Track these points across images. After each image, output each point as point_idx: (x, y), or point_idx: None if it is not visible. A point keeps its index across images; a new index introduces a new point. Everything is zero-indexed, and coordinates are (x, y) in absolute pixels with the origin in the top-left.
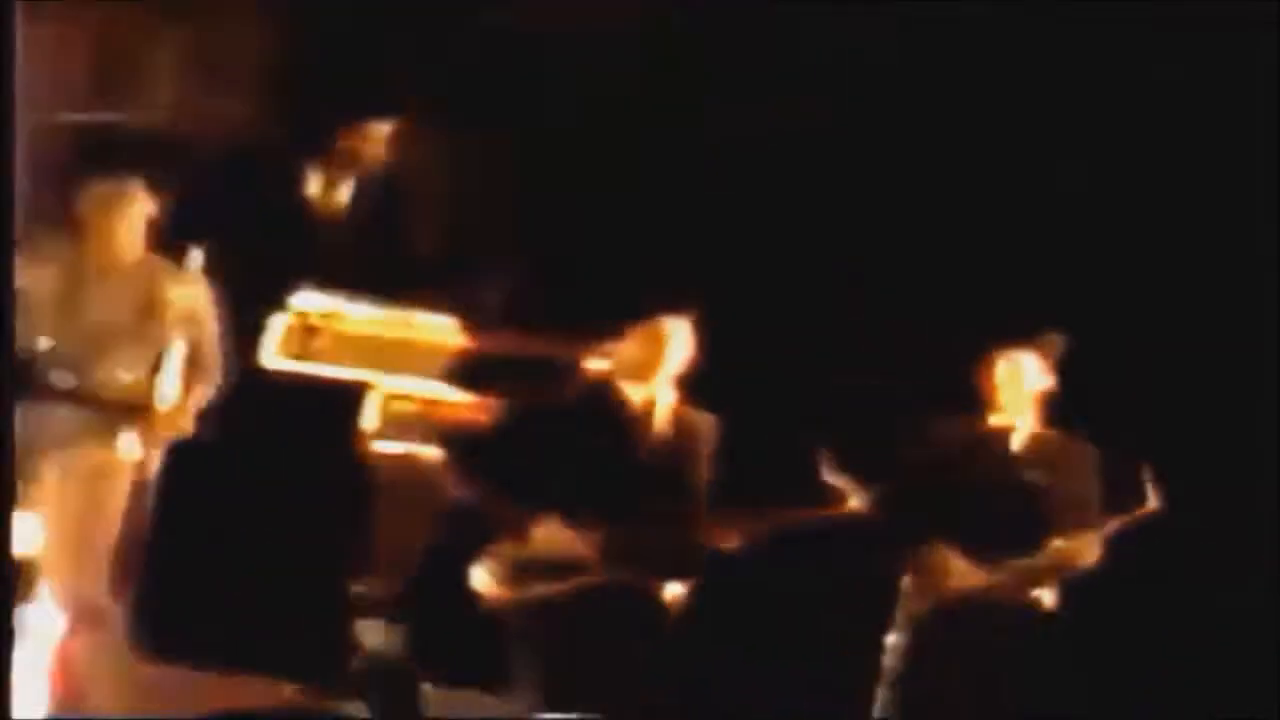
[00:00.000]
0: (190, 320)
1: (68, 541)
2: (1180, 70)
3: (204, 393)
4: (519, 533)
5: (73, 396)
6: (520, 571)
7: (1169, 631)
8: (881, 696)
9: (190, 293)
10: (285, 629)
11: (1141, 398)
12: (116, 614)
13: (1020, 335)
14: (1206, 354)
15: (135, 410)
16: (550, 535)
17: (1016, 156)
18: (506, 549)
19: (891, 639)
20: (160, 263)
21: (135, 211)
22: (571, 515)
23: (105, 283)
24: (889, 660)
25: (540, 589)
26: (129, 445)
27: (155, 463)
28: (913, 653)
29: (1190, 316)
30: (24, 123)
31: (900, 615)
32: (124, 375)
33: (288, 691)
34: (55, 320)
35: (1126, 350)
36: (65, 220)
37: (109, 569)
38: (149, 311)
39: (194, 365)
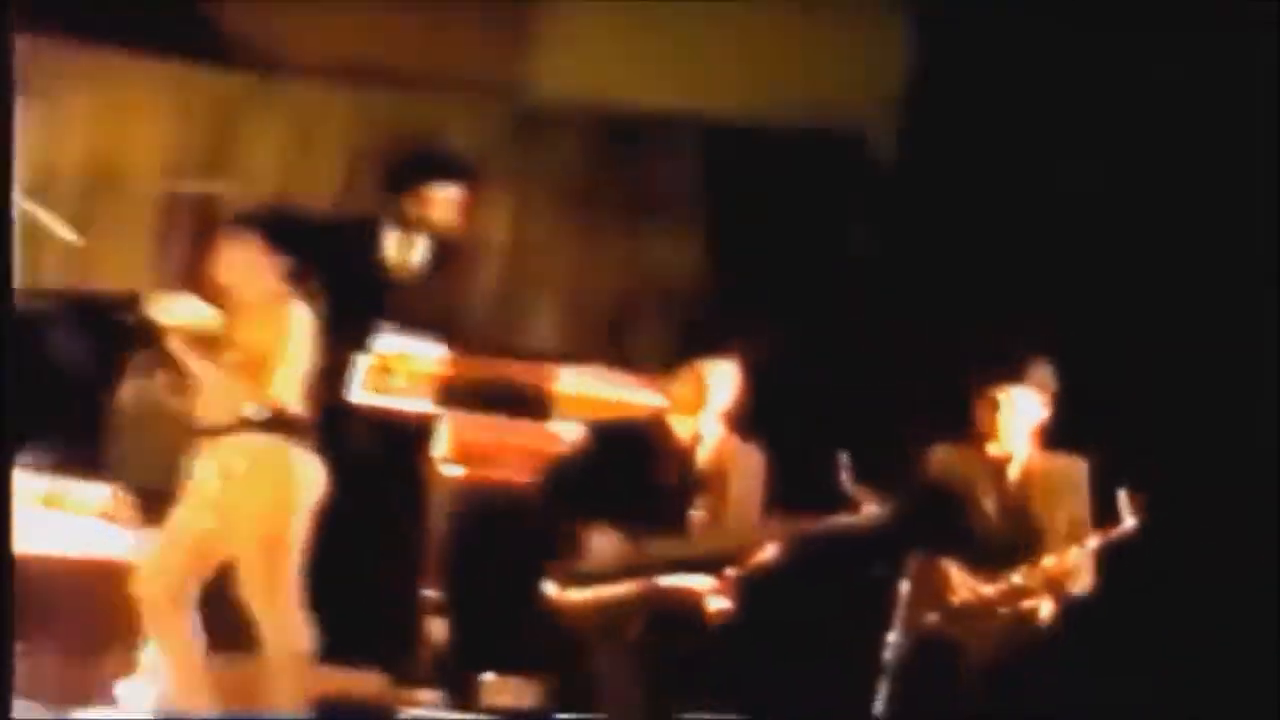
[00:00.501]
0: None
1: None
2: (1180, 70)
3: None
4: (580, 544)
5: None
6: (582, 579)
7: (1169, 632)
8: (883, 691)
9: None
10: (367, 625)
11: (1141, 398)
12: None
13: (1021, 335)
14: (1206, 354)
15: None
16: (608, 547)
17: (1016, 157)
18: (570, 558)
19: (892, 637)
20: (280, 301)
21: (257, 262)
22: (626, 530)
23: (242, 322)
24: (889, 656)
25: (599, 595)
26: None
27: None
28: (912, 654)
29: (1190, 317)
30: (150, 189)
31: (899, 616)
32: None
33: (367, 682)
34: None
35: (1126, 350)
36: (194, 274)
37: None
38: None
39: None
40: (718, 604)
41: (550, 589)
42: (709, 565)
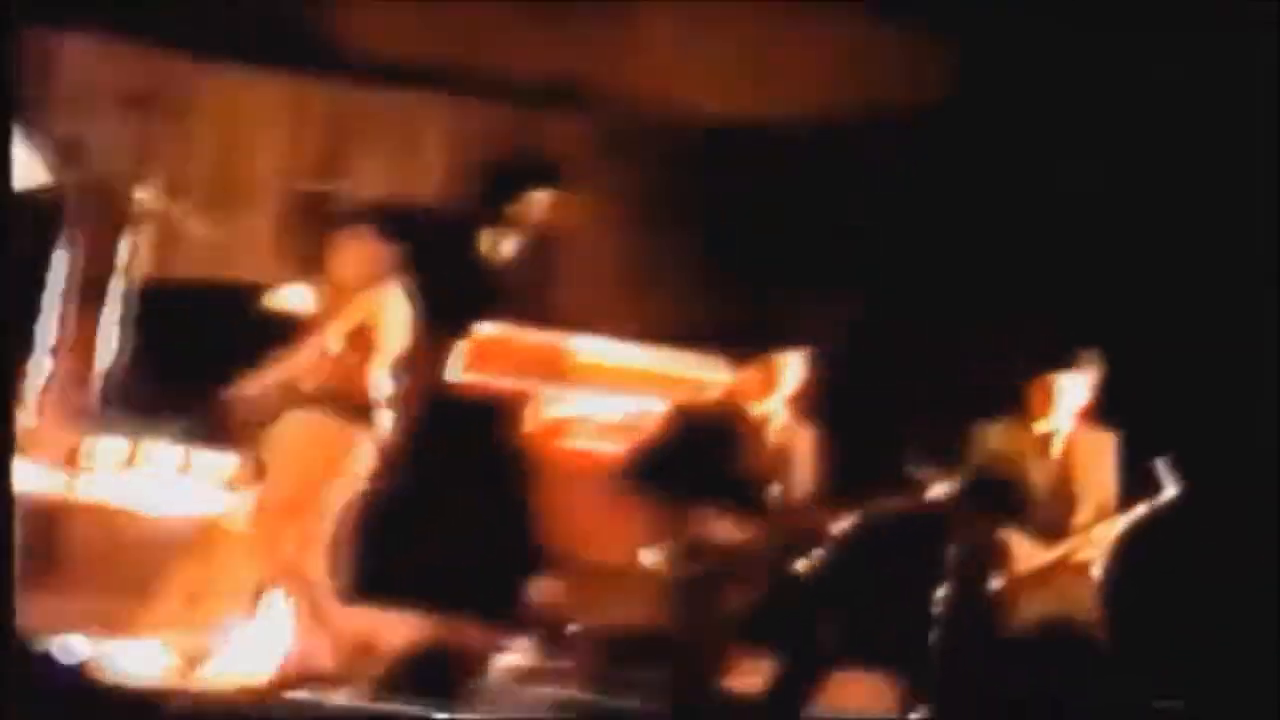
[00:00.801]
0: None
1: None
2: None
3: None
4: (679, 520)
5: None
6: (684, 552)
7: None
8: (933, 643)
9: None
10: (462, 578)
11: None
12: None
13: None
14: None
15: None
16: (708, 523)
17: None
18: (671, 533)
19: (941, 592)
20: (383, 290)
21: (367, 255)
22: (714, 506)
23: (345, 308)
24: (937, 609)
25: (700, 567)
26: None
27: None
28: (962, 613)
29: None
30: (271, 189)
31: (949, 575)
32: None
33: (461, 629)
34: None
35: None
36: (312, 260)
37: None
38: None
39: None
40: (796, 571)
41: (654, 561)
42: (788, 539)
